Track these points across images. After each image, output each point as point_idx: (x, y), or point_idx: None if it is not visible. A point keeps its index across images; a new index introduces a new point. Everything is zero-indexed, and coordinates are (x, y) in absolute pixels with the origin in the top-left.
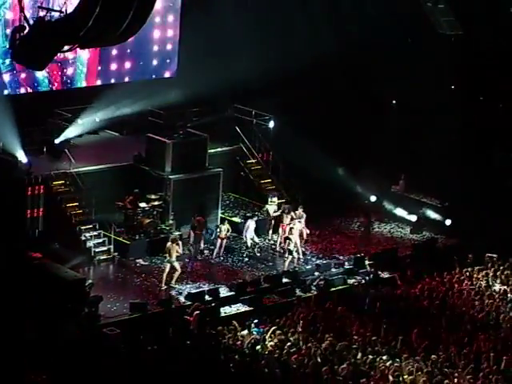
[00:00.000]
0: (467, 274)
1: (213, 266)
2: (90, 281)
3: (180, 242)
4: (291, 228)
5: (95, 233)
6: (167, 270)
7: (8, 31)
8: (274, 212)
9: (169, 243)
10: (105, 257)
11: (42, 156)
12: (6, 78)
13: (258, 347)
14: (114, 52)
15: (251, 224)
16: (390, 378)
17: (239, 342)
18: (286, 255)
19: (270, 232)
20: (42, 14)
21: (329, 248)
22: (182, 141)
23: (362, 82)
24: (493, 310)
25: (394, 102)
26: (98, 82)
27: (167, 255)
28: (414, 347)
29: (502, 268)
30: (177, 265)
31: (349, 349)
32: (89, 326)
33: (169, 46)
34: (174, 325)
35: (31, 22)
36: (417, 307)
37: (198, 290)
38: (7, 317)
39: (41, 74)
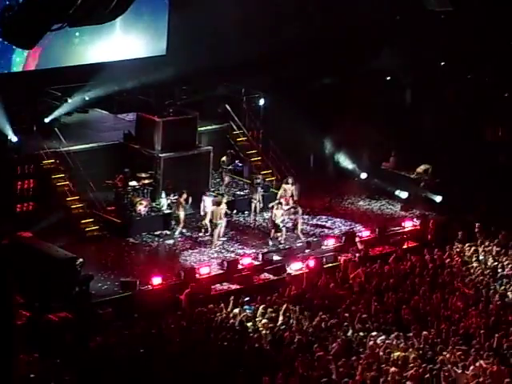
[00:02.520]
0: (457, 250)
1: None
2: (80, 259)
3: (224, 204)
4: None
5: (86, 211)
6: (218, 230)
7: None
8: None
9: (213, 207)
10: (95, 235)
11: (31, 135)
12: None
13: (249, 324)
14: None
15: (207, 200)
16: (381, 354)
17: (231, 320)
18: (277, 233)
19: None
20: None
21: (319, 226)
22: (171, 119)
23: (351, 58)
24: (483, 286)
25: (388, 78)
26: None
27: (213, 219)
28: (405, 324)
29: (492, 244)
30: (221, 227)
31: (339, 326)
32: (80, 304)
33: (158, 24)
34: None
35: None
36: (407, 284)
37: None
38: None
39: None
